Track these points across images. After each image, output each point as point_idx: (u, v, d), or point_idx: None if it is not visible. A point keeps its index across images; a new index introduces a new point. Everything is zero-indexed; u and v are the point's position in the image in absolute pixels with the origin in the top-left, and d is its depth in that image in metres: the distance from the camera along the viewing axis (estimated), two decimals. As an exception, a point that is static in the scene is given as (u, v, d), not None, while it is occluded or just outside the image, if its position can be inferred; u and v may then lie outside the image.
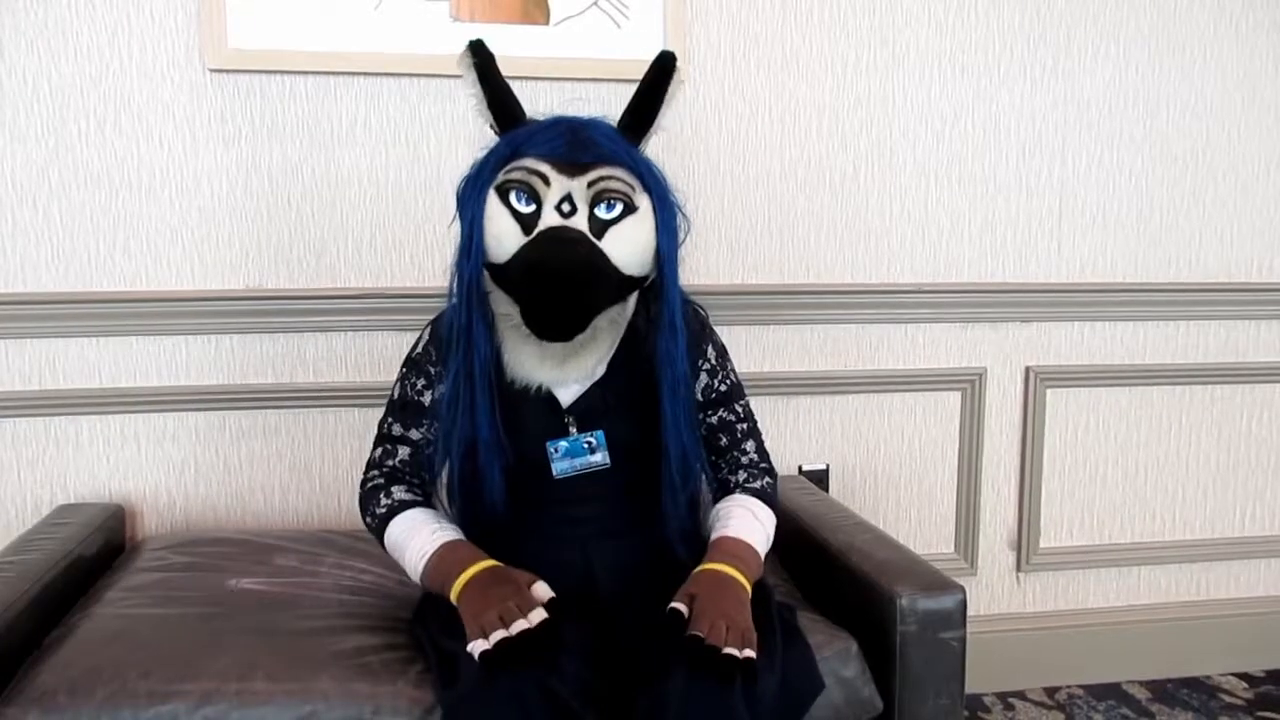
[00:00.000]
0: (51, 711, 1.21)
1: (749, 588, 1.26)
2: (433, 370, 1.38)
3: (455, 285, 1.27)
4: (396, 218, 1.88)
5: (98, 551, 1.67)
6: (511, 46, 1.83)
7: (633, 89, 1.87)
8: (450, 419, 1.28)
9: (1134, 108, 2.10)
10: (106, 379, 1.82)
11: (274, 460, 1.90)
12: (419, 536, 1.31)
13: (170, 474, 1.87)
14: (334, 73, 1.81)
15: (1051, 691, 2.18)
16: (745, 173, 1.98)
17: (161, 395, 1.84)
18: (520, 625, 1.13)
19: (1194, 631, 2.26)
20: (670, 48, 1.86)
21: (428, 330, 1.41)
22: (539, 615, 1.15)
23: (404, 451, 1.38)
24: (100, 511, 1.75)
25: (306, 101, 1.82)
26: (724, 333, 1.50)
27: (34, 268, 1.78)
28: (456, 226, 1.29)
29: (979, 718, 2.06)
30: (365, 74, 1.82)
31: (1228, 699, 2.17)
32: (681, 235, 1.29)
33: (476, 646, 1.13)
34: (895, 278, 2.06)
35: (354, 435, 1.91)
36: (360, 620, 1.43)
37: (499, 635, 1.12)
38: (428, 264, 1.90)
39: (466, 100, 1.82)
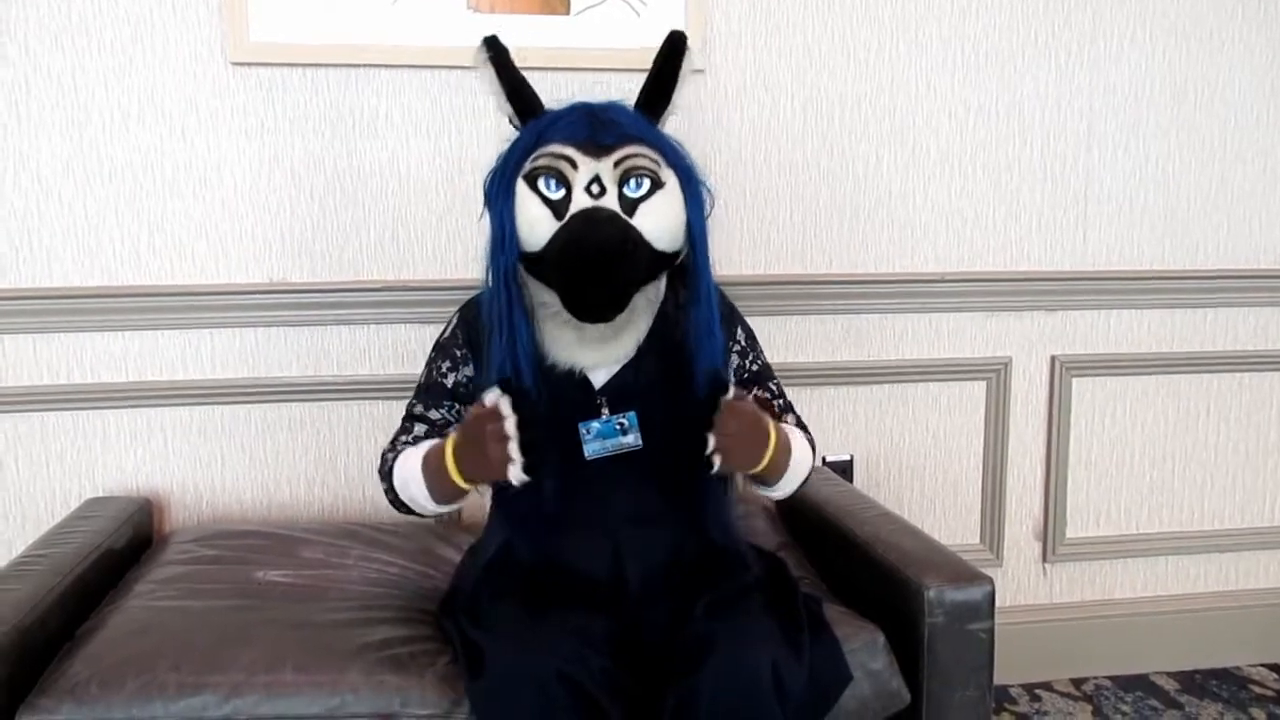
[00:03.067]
0: (84, 702, 1.22)
1: (768, 457, 1.25)
2: (459, 353, 1.38)
3: (490, 278, 1.27)
4: (418, 210, 1.88)
5: (126, 544, 1.68)
6: (531, 37, 1.82)
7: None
8: None
9: (1161, 94, 2.07)
10: (133, 373, 1.84)
11: (299, 453, 1.91)
12: (411, 462, 1.29)
13: (197, 467, 1.88)
14: (355, 65, 1.81)
15: (1079, 683, 2.17)
16: (767, 162, 1.96)
17: (187, 389, 1.85)
18: (514, 440, 1.12)
19: (1223, 622, 2.24)
20: (691, 36, 1.86)
21: (456, 315, 1.42)
22: (510, 415, 1.13)
23: (420, 429, 1.38)
24: (128, 504, 1.77)
25: (328, 94, 1.82)
26: (748, 323, 1.50)
27: (60, 263, 1.80)
28: (486, 220, 1.29)
29: (1005, 709, 2.05)
30: (386, 66, 1.82)
31: (1258, 690, 2.15)
32: (708, 208, 1.30)
33: (517, 476, 1.12)
34: (919, 267, 2.04)
35: (378, 428, 1.91)
36: (387, 612, 1.44)
37: (517, 459, 1.11)
38: (449, 256, 1.90)
39: (486, 94, 1.85)
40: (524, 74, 1.36)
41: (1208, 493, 2.24)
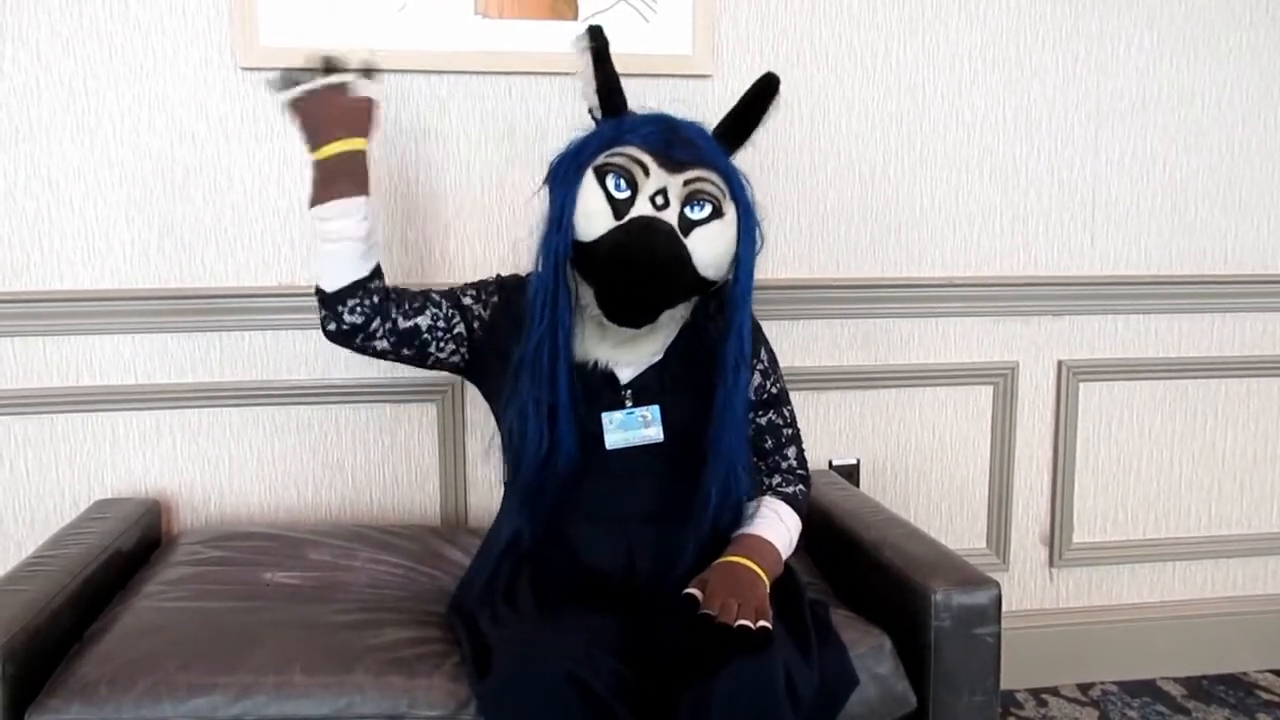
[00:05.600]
0: (93, 703, 1.23)
1: (766, 579, 1.27)
2: (485, 296, 1.42)
3: (542, 259, 1.30)
4: (427, 214, 1.88)
5: (135, 546, 1.69)
6: (540, 42, 1.83)
7: (661, 83, 1.90)
8: (532, 382, 1.30)
9: (1168, 98, 2.07)
10: (142, 375, 1.84)
11: (306, 456, 1.91)
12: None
13: (205, 469, 1.89)
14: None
15: (1085, 688, 2.16)
16: (775, 166, 1.97)
17: (196, 391, 1.85)
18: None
19: (1230, 627, 2.23)
20: (699, 41, 1.88)
21: (497, 277, 1.46)
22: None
23: (413, 289, 1.43)
24: (137, 506, 1.77)
25: (337, 99, 1.83)
26: (754, 327, 1.50)
27: (70, 266, 1.80)
28: (538, 201, 1.32)
29: (1012, 714, 2.05)
30: (395, 71, 1.82)
31: (1265, 696, 2.14)
32: (757, 249, 1.32)
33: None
34: (926, 271, 2.05)
35: (385, 431, 1.92)
36: (395, 614, 1.44)
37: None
38: (458, 260, 1.90)
39: (496, 99, 1.86)
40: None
41: (1215, 498, 2.23)
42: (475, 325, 1.41)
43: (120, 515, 1.72)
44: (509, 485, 1.45)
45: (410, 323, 1.40)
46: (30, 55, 1.74)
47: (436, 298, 1.42)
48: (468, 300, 1.42)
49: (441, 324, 1.41)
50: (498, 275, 1.47)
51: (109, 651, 1.31)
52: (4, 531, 1.84)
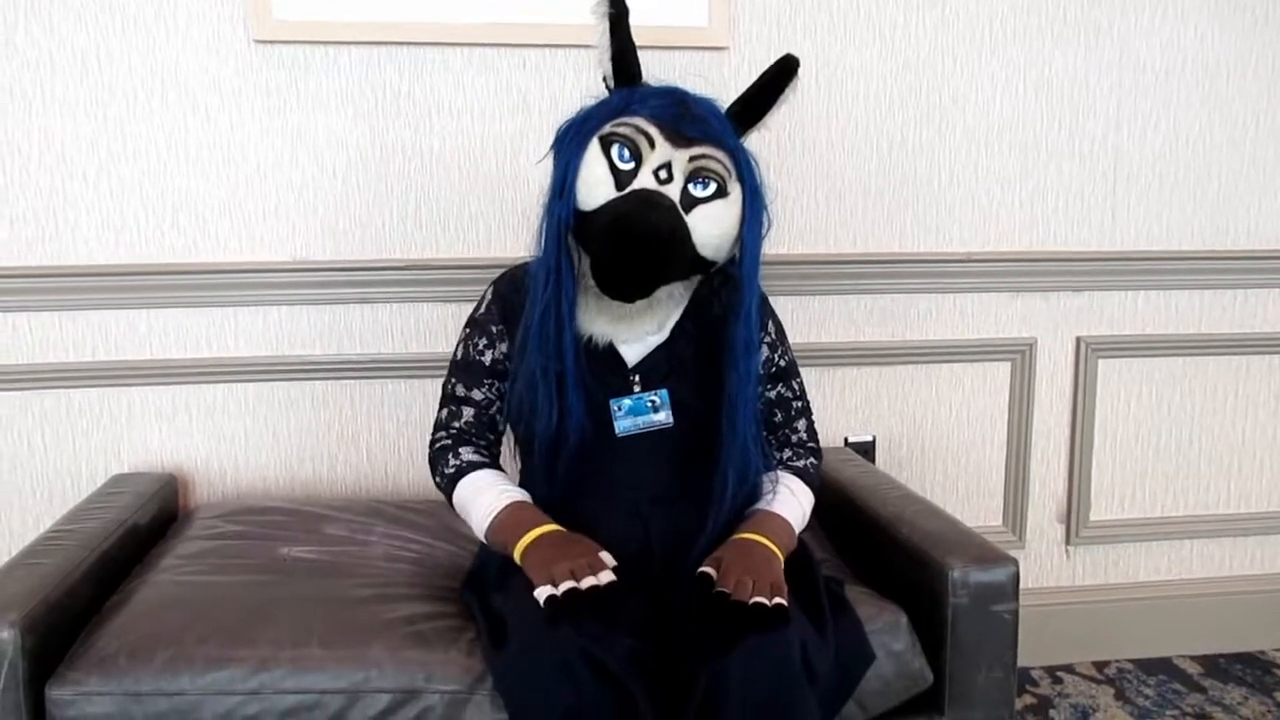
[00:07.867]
0: (112, 675, 1.23)
1: (780, 555, 1.27)
2: (494, 330, 1.39)
3: (545, 227, 1.28)
4: (441, 189, 1.87)
5: (152, 520, 1.70)
6: (554, 14, 1.81)
7: (677, 55, 1.87)
8: (539, 352, 1.28)
9: (1191, 71, 2.04)
10: (157, 350, 1.85)
11: (322, 431, 1.92)
12: (486, 495, 1.32)
13: (221, 444, 1.89)
14: (378, 43, 1.80)
15: (1101, 666, 2.16)
16: (791, 140, 1.95)
17: (211, 366, 1.86)
18: (590, 581, 1.15)
19: (1248, 606, 2.22)
20: (714, 13, 1.85)
21: (490, 290, 1.43)
22: (607, 576, 1.17)
23: (468, 413, 1.40)
24: (154, 481, 1.78)
25: (351, 72, 1.82)
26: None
27: (85, 241, 1.80)
28: (545, 166, 1.30)
29: (1028, 691, 2.05)
30: (409, 44, 1.81)
31: (1282, 674, 2.14)
32: (764, 230, 1.30)
33: (543, 591, 1.14)
34: (944, 246, 2.02)
35: (400, 406, 1.92)
36: (411, 589, 1.45)
37: (568, 585, 1.14)
38: (472, 235, 1.90)
39: (510, 71, 1.85)
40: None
41: (1233, 476, 2.21)
42: (502, 359, 1.39)
43: (137, 490, 1.72)
44: (522, 476, 1.45)
45: (489, 431, 1.43)
46: (43, 28, 1.74)
47: (480, 394, 1.40)
48: (487, 357, 1.40)
49: (494, 394, 1.40)
50: (490, 288, 1.43)
51: (127, 625, 1.32)
52: (22, 506, 1.86)
